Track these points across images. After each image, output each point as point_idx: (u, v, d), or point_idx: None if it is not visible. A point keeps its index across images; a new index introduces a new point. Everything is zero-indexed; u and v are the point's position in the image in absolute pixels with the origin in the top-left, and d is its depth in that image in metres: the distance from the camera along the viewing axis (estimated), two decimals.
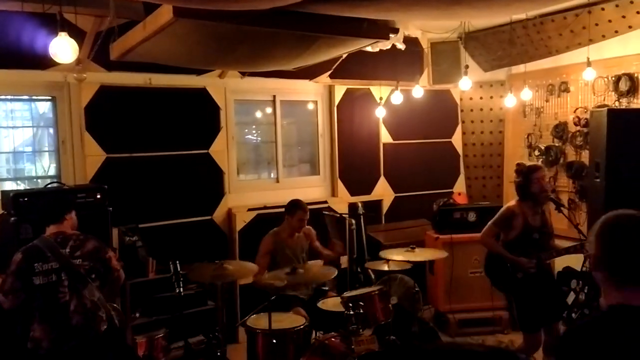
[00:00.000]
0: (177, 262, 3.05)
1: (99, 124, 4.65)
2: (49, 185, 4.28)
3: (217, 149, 5.25)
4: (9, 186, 4.57)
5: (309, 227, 4.76)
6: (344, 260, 5.71)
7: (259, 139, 6.13)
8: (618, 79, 5.11)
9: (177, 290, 2.89)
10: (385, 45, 4.50)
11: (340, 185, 6.02)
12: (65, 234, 3.27)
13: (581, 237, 4.00)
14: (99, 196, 4.06)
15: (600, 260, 1.53)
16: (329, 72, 5.65)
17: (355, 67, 5.70)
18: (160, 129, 4.96)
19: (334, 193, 6.04)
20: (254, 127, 6.09)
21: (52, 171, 4.73)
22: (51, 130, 4.71)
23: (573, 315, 5.10)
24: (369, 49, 4.42)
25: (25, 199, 3.72)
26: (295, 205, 4.62)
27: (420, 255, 4.46)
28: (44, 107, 4.80)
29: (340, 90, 5.96)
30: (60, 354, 3.15)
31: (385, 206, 6.34)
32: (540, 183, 3.97)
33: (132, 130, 4.83)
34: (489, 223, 4.11)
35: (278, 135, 5.82)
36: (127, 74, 4.66)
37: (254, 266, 3.98)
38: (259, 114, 6.02)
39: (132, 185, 4.79)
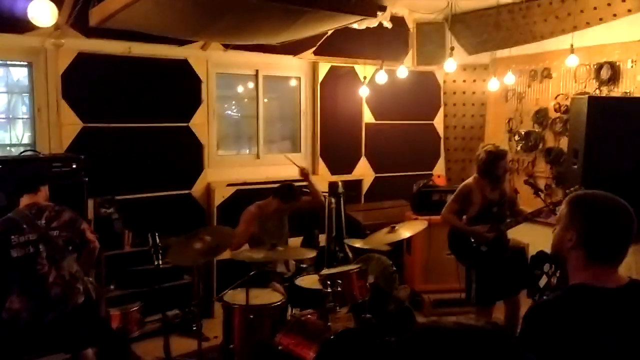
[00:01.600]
0: (156, 234, 3.00)
1: (76, 92, 4.52)
2: (24, 154, 4.16)
3: (198, 122, 5.17)
4: None
5: None
6: (322, 239, 5.73)
7: (241, 113, 6.05)
8: (600, 67, 5.16)
9: (156, 263, 2.85)
10: (372, 22, 4.46)
11: (321, 164, 6.00)
12: (39, 205, 3.21)
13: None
14: (74, 166, 3.97)
15: (582, 239, 1.54)
16: (314, 49, 5.58)
17: (340, 44, 5.64)
18: (139, 99, 4.86)
19: (314, 171, 6.01)
20: (235, 102, 6.00)
21: (26, 140, 4.60)
22: (26, 98, 4.57)
23: (545, 298, 5.21)
24: (355, 26, 4.36)
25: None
26: (277, 193, 4.48)
27: (403, 231, 4.43)
28: (19, 74, 4.65)
29: (324, 67, 5.90)
30: (39, 326, 3.13)
31: (365, 186, 6.35)
32: (504, 169, 4.08)
33: (110, 99, 4.71)
34: (449, 200, 4.23)
35: (260, 110, 5.75)
36: (106, 41, 4.53)
37: (231, 230, 3.89)
38: (240, 89, 5.94)
39: (109, 155, 4.69)
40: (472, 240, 4.09)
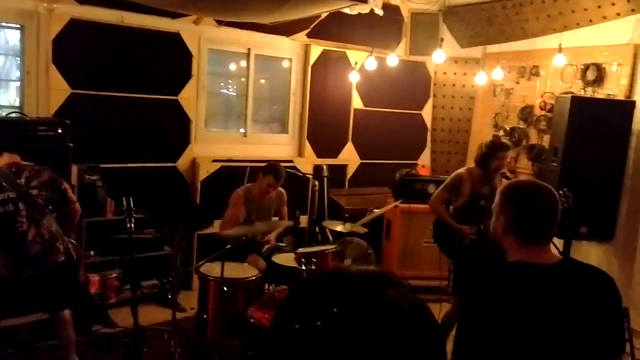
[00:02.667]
0: (131, 198, 3.07)
1: (67, 58, 4.54)
2: (10, 115, 4.19)
3: (186, 97, 5.20)
4: None
5: (282, 190, 4.63)
6: (303, 220, 5.82)
7: (231, 91, 6.08)
8: (586, 67, 5.23)
9: (128, 226, 2.91)
10: (363, 8, 4.49)
11: (308, 146, 6.06)
12: (19, 164, 3.24)
13: None
14: (60, 131, 3.99)
15: (512, 224, 1.67)
16: (307, 31, 5.61)
17: (333, 28, 5.67)
18: (129, 69, 4.88)
19: (300, 153, 6.07)
20: (226, 79, 6.03)
21: (17, 103, 4.62)
22: (19, 60, 4.58)
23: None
24: (347, 10, 4.40)
25: None
26: (270, 170, 4.43)
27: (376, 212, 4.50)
28: (14, 37, 4.65)
29: (316, 50, 5.94)
30: (17, 283, 3.17)
31: (350, 171, 6.42)
32: (502, 161, 4.12)
33: (100, 67, 4.73)
34: (439, 188, 4.27)
35: (250, 89, 5.79)
36: (99, 9, 4.54)
37: None
38: (232, 67, 5.96)
39: (96, 123, 4.73)
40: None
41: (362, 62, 6.07)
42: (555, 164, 4.77)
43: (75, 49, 4.57)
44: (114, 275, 4.48)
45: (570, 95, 4.90)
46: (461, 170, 4.23)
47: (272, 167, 4.46)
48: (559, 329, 1.52)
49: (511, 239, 1.67)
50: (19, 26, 4.49)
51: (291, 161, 5.82)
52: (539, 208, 1.65)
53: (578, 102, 4.73)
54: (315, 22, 5.45)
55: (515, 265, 1.64)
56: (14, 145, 3.28)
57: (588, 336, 1.54)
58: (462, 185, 4.12)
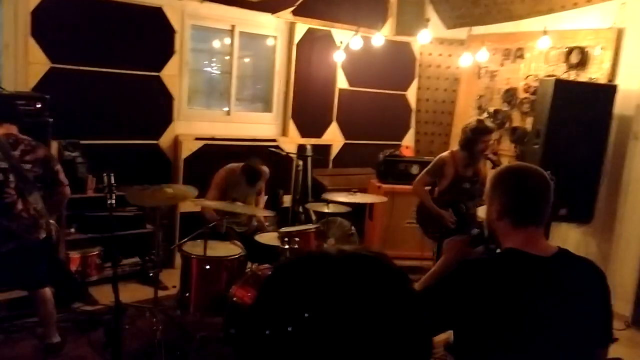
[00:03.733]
0: (112, 174, 3.03)
1: (46, 31, 4.42)
2: None
3: (169, 73, 5.12)
4: None
5: (265, 168, 4.51)
6: (287, 200, 5.81)
7: (214, 69, 6.00)
8: (570, 51, 5.26)
9: (109, 202, 2.88)
10: None
11: (292, 126, 6.02)
12: (17, 137, 3.19)
13: None
14: (39, 105, 3.91)
15: (505, 208, 1.65)
16: (292, 8, 5.55)
17: (319, 6, 5.62)
18: (110, 44, 4.78)
19: (284, 132, 6.04)
20: (209, 56, 5.95)
21: None
22: None
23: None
24: None
25: None
26: (253, 175, 4.35)
27: (362, 198, 4.56)
28: None
29: (301, 28, 5.87)
30: None
31: (334, 151, 6.41)
32: (485, 144, 4.15)
33: (80, 41, 4.63)
34: (422, 172, 4.29)
35: (234, 67, 5.71)
36: None
37: (194, 191, 3.93)
38: (216, 44, 5.88)
39: (76, 98, 4.64)
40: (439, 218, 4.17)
41: (347, 41, 6.02)
42: (537, 147, 4.81)
43: (55, 22, 4.46)
44: (94, 253, 4.45)
45: (553, 78, 4.93)
46: (444, 153, 4.26)
47: (254, 174, 4.34)
48: (545, 322, 1.52)
49: (505, 223, 1.65)
50: None
51: (274, 140, 5.79)
52: (530, 189, 1.64)
53: (561, 86, 4.75)
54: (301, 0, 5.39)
55: (510, 252, 1.62)
56: (14, 116, 3.21)
57: (575, 329, 1.55)
58: (445, 168, 4.15)
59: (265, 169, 4.52)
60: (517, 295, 1.53)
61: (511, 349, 1.50)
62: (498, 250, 1.70)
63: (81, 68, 4.63)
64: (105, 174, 2.96)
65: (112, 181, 2.96)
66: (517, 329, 1.51)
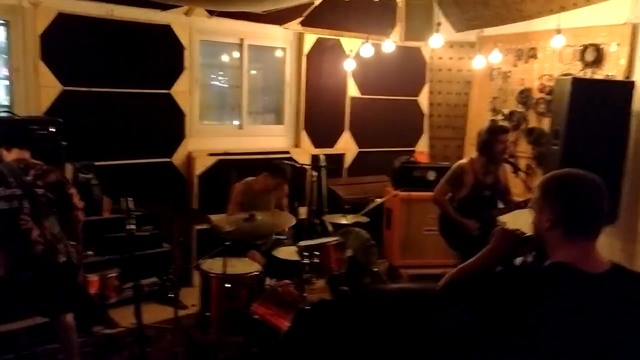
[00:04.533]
0: (130, 199, 2.98)
1: (56, 54, 4.42)
2: None
3: (179, 90, 5.10)
4: None
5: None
6: (302, 212, 5.75)
7: (223, 83, 5.97)
8: (585, 48, 5.16)
9: (128, 228, 2.83)
10: None
11: (304, 136, 5.98)
12: (27, 161, 3.16)
13: None
14: (52, 129, 3.89)
15: (558, 217, 1.53)
16: (300, 19, 5.51)
17: (327, 15, 5.57)
18: (120, 64, 4.77)
19: (297, 144, 5.99)
20: (219, 71, 5.92)
21: (7, 102, 4.50)
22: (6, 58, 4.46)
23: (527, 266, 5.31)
24: None
25: None
26: (280, 171, 4.48)
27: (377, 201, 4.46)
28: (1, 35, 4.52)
29: (310, 39, 5.83)
30: (15, 283, 3.09)
31: (348, 160, 6.35)
32: (504, 145, 4.05)
33: (90, 63, 4.62)
34: (441, 181, 4.20)
35: (244, 80, 5.69)
36: (87, 2, 4.42)
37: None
38: (225, 58, 5.85)
39: (88, 120, 4.62)
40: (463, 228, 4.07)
41: (356, 49, 5.97)
42: (556, 147, 4.71)
43: (64, 45, 4.45)
44: (113, 275, 4.39)
45: (570, 77, 4.83)
46: (463, 161, 4.17)
47: (280, 169, 4.48)
48: (593, 347, 1.42)
49: (557, 234, 1.53)
50: (3, 21, 4.36)
51: (288, 152, 5.74)
52: (588, 198, 1.51)
53: (578, 84, 4.65)
54: (309, 10, 5.35)
55: (560, 266, 1.50)
56: (25, 141, 3.19)
57: (626, 351, 1.44)
58: (464, 176, 4.05)
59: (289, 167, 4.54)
60: (561, 315, 1.43)
61: None
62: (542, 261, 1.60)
63: (92, 89, 4.62)
64: (123, 199, 2.91)
65: (131, 206, 2.91)
66: (558, 352, 1.41)
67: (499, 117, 6.03)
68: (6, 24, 4.34)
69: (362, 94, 6.29)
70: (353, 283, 4.36)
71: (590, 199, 1.52)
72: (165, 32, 4.94)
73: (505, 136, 4.06)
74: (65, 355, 3.45)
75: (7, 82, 4.46)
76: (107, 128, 4.75)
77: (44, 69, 4.38)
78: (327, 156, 6.00)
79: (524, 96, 5.81)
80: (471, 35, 6.39)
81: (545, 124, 5.48)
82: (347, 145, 6.31)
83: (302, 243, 4.02)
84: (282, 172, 4.50)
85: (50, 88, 4.42)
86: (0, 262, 3.05)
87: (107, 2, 4.48)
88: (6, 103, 4.46)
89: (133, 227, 2.85)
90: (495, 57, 5.68)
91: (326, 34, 5.88)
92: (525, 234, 1.70)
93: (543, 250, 1.62)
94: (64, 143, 3.95)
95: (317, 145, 6.05)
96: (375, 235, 5.36)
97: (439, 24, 5.10)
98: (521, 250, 1.78)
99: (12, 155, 3.16)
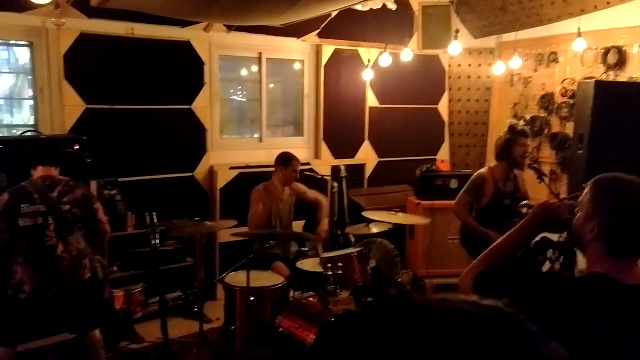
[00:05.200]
0: (154, 214, 3.00)
1: (79, 73, 4.49)
2: (25, 134, 4.15)
3: (200, 105, 5.14)
4: None
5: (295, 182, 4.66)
6: (322, 228, 5.72)
7: (241, 97, 6.01)
8: (607, 51, 5.09)
9: (153, 242, 2.84)
10: (376, 4, 4.40)
11: (324, 148, 5.97)
12: (54, 178, 3.20)
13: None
14: (77, 147, 3.95)
15: (604, 232, 1.41)
16: (318, 31, 5.54)
17: (344, 27, 5.59)
18: (142, 81, 4.83)
19: (317, 155, 5.99)
20: (238, 85, 5.97)
21: (32, 122, 4.59)
22: (31, 79, 4.56)
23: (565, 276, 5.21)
24: (359, 7, 4.31)
25: (0, 146, 3.61)
26: (288, 157, 4.54)
27: (403, 219, 4.47)
28: (24, 57, 4.62)
29: (328, 50, 5.85)
30: (41, 300, 3.12)
31: (369, 170, 6.32)
32: (523, 148, 4.00)
33: (113, 81, 4.69)
34: (461, 192, 4.15)
35: (263, 94, 5.72)
36: (108, 22, 4.49)
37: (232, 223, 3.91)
38: (244, 72, 5.90)
39: (112, 138, 4.68)
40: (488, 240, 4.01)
41: (374, 59, 5.97)
42: (581, 152, 4.64)
43: (87, 64, 4.53)
44: (138, 290, 4.42)
45: (593, 80, 4.76)
46: (482, 170, 4.12)
47: (286, 156, 4.54)
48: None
49: (599, 247, 1.42)
50: (27, 43, 4.46)
51: (308, 164, 5.73)
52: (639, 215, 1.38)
53: (602, 87, 4.59)
54: (326, 22, 5.37)
55: (600, 278, 1.41)
56: (51, 159, 3.23)
57: None
58: (485, 186, 4.00)
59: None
60: (605, 327, 1.36)
61: None
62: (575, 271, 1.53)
63: (115, 107, 4.68)
64: (147, 214, 2.92)
65: (155, 220, 2.92)
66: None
67: (521, 122, 5.96)
68: (30, 46, 4.44)
69: (381, 104, 6.28)
70: (378, 294, 4.32)
71: None
72: (185, 49, 5.00)
73: (524, 140, 4.01)
74: None
75: (31, 102, 4.55)
76: (130, 145, 4.81)
77: (67, 89, 4.46)
78: (348, 167, 5.98)
79: (546, 101, 5.74)
80: (490, 42, 6.34)
81: (569, 128, 5.40)
82: (367, 156, 6.29)
83: (326, 255, 4.00)
84: (290, 156, 4.53)
85: (74, 107, 4.50)
86: (26, 278, 3.08)
87: (127, 21, 4.54)
88: (31, 123, 4.55)
89: (157, 241, 2.85)
90: (516, 62, 5.62)
91: (344, 45, 5.89)
92: (568, 215, 1.56)
93: (577, 244, 1.51)
94: (88, 160, 4.01)
95: (337, 156, 6.04)
96: (398, 245, 5.31)
97: (457, 31, 5.08)
98: (560, 233, 1.67)
99: (38, 173, 3.20)
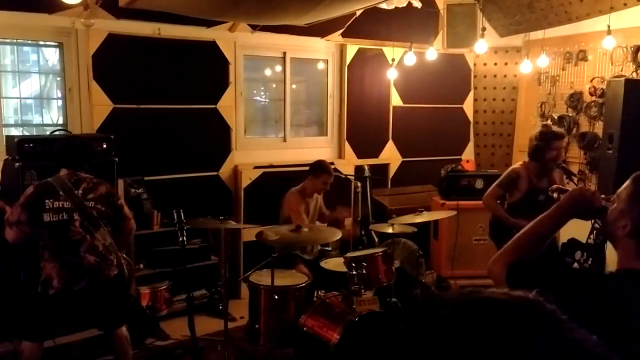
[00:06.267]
0: (181, 210, 3.02)
1: (107, 74, 4.56)
2: (55, 133, 4.23)
3: (225, 105, 5.18)
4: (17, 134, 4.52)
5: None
6: (348, 223, 5.72)
7: (264, 98, 6.03)
8: (637, 49, 4.98)
9: (180, 239, 2.86)
10: (400, 2, 4.37)
11: (348, 147, 5.96)
12: (79, 176, 3.24)
13: None
14: (105, 146, 4.01)
15: (637, 231, 1.38)
16: (342, 30, 5.53)
17: (368, 26, 5.57)
18: (168, 81, 4.88)
19: (340, 155, 5.98)
20: (262, 85, 5.99)
21: (61, 122, 4.67)
22: (59, 79, 4.64)
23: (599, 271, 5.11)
24: (383, 5, 4.29)
25: (31, 144, 3.68)
26: (321, 168, 4.55)
27: (428, 216, 4.43)
28: (53, 58, 4.71)
29: (352, 49, 5.83)
30: (69, 295, 3.17)
31: (392, 170, 6.29)
32: (557, 152, 3.93)
33: (140, 81, 4.75)
34: (493, 185, 4.10)
35: (287, 93, 5.73)
36: (135, 22, 4.55)
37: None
38: (268, 72, 5.92)
39: (138, 137, 4.74)
40: (515, 231, 3.95)
41: (399, 58, 5.94)
42: (611, 152, 4.54)
43: (115, 64, 4.59)
44: (163, 287, 4.47)
45: (623, 78, 4.66)
46: (517, 165, 4.06)
47: (321, 166, 4.54)
48: None
49: (632, 243, 1.39)
50: (57, 44, 4.54)
51: (332, 163, 5.70)
52: None
53: (632, 85, 4.49)
54: (350, 21, 5.36)
55: (632, 273, 1.39)
56: (77, 164, 3.26)
57: None
58: (519, 181, 3.94)
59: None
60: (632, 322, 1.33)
61: None
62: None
63: (141, 107, 4.74)
64: (174, 211, 2.95)
65: (182, 218, 2.94)
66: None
67: (549, 122, 5.87)
68: (60, 46, 4.52)
69: (404, 103, 6.24)
70: (402, 295, 4.30)
71: None
72: (211, 48, 5.04)
73: (559, 143, 3.93)
74: None
75: (60, 103, 4.63)
76: (156, 144, 4.86)
77: (96, 88, 4.53)
78: (371, 166, 5.96)
79: (574, 100, 5.63)
80: (516, 40, 6.26)
81: (598, 127, 5.30)
82: (390, 155, 6.25)
83: (350, 254, 3.99)
84: (323, 167, 4.54)
85: (102, 106, 4.57)
86: (54, 273, 3.13)
87: (154, 21, 4.59)
88: (60, 122, 4.63)
89: (184, 238, 2.87)
90: (543, 61, 5.54)
91: (368, 44, 5.87)
92: (603, 204, 1.52)
93: (608, 235, 1.48)
94: (115, 159, 4.06)
95: (360, 155, 6.02)
96: (422, 245, 5.28)
97: (483, 29, 5.02)
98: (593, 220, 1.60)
99: (64, 170, 3.25)
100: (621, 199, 1.44)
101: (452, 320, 0.63)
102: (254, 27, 5.11)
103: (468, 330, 0.61)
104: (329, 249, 4.84)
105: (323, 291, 4.21)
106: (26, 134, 4.59)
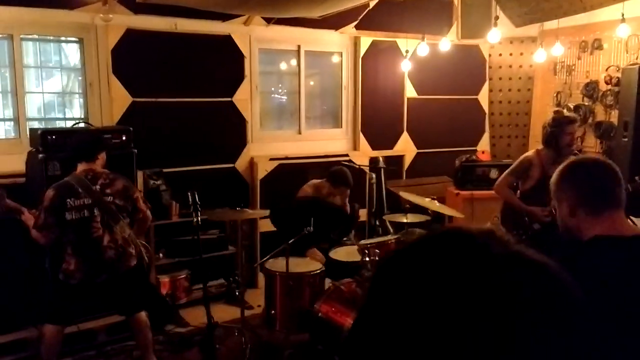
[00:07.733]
0: (195, 192, 3.12)
1: (126, 68, 4.68)
2: (76, 125, 4.35)
3: (241, 98, 5.26)
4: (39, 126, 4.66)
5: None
6: (362, 213, 5.78)
7: (280, 92, 6.10)
8: None
9: (195, 220, 2.96)
10: None
11: (362, 139, 6.01)
12: (95, 171, 3.35)
13: None
14: (124, 138, 4.12)
15: (579, 200, 1.58)
16: (355, 23, 5.57)
17: (382, 17, 5.60)
18: (185, 74, 4.98)
19: (355, 147, 6.03)
20: (277, 78, 6.06)
21: (82, 116, 4.80)
22: (80, 78, 4.77)
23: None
24: None
25: (54, 136, 3.80)
26: (341, 179, 4.56)
27: (438, 207, 4.46)
28: (74, 56, 4.83)
29: (365, 42, 5.88)
30: (92, 286, 3.30)
31: (407, 162, 6.32)
32: (571, 136, 3.91)
33: (157, 75, 4.85)
34: (505, 172, 4.11)
35: (301, 86, 5.80)
36: (153, 17, 4.66)
37: None
38: (283, 65, 5.99)
39: (157, 130, 4.85)
40: (526, 218, 3.97)
41: (413, 50, 5.96)
42: (626, 139, 4.54)
43: (133, 58, 4.71)
44: (183, 276, 4.59)
45: (637, 66, 4.64)
46: (529, 153, 4.05)
47: (343, 179, 4.54)
48: None
49: (581, 216, 1.57)
50: (77, 40, 4.66)
51: (346, 155, 5.79)
52: (599, 174, 1.59)
53: None
54: (364, 13, 5.40)
55: (597, 239, 1.51)
56: (88, 155, 3.36)
57: None
58: (532, 169, 3.93)
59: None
60: (614, 283, 1.40)
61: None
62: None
63: (159, 100, 4.85)
64: (189, 193, 3.04)
65: (197, 199, 3.04)
66: (616, 319, 1.37)
67: (565, 111, 5.83)
68: (80, 42, 4.64)
69: (419, 95, 6.26)
70: None
71: (602, 174, 1.59)
72: (226, 42, 5.12)
73: (572, 127, 3.91)
74: (140, 351, 3.64)
75: (81, 100, 4.76)
76: (174, 136, 4.97)
77: (115, 83, 4.65)
78: (386, 158, 6.00)
79: (590, 89, 5.61)
80: (531, 30, 6.23)
81: (614, 116, 5.28)
82: (405, 147, 6.29)
83: (363, 242, 4.05)
84: (343, 180, 4.55)
85: (121, 100, 4.68)
86: (76, 267, 3.26)
87: (171, 16, 4.70)
88: (81, 116, 4.76)
89: (199, 219, 2.97)
90: (558, 50, 5.52)
91: (381, 36, 5.91)
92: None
93: (575, 237, 1.62)
94: (134, 151, 4.17)
95: (375, 147, 6.06)
96: None
97: (496, 18, 5.02)
98: None
99: (81, 167, 3.36)
100: (554, 196, 1.68)
101: (412, 249, 0.66)
102: (269, 21, 5.19)
103: (425, 255, 0.64)
104: (345, 238, 4.89)
105: (333, 280, 4.26)
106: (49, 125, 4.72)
